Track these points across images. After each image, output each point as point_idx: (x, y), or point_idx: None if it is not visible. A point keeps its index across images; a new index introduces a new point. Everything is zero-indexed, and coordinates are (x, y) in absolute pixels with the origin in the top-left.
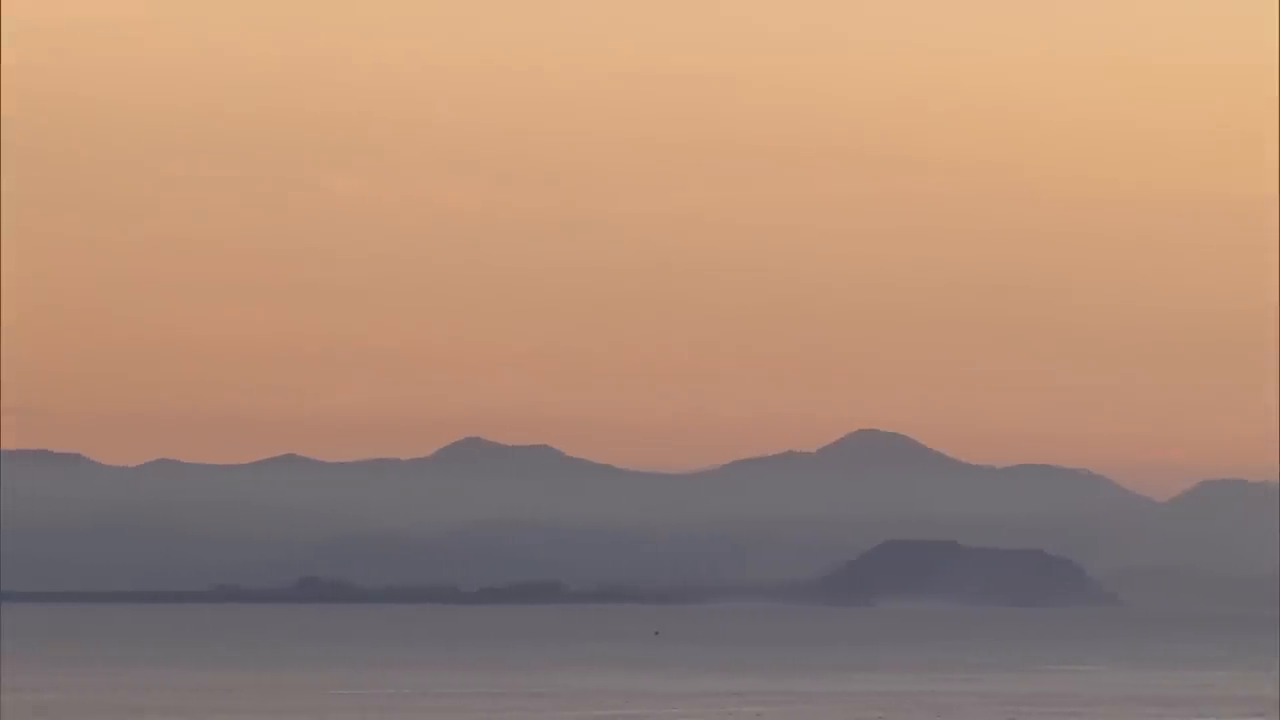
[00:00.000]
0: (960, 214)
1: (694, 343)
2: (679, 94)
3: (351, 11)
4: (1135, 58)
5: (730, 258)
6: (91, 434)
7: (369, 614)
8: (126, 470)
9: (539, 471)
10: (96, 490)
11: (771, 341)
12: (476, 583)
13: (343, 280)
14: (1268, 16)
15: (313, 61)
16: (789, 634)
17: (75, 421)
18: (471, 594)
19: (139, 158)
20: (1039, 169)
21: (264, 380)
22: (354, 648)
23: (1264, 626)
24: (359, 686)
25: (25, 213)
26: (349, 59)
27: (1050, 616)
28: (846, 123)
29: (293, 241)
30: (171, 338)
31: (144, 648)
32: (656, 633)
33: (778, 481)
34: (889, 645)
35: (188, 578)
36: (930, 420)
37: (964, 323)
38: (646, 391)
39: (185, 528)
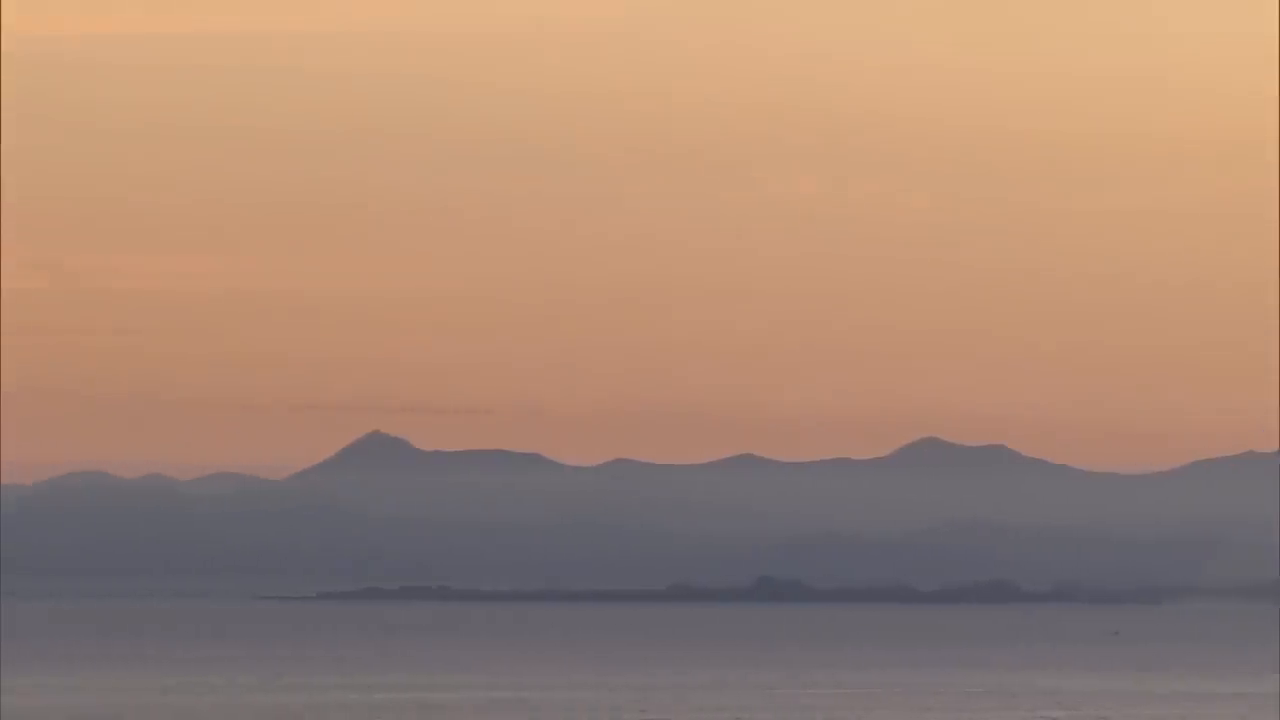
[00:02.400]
0: None
1: (1151, 343)
2: (1110, 93)
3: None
4: None
5: (1186, 254)
6: (551, 434)
7: (822, 614)
8: (585, 470)
9: (993, 471)
10: (555, 490)
11: (1232, 340)
12: (931, 583)
13: (798, 281)
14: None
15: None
16: (1250, 634)
17: (535, 421)
18: (926, 594)
19: (600, 153)
20: None
21: (721, 379)
22: (806, 646)
23: None
24: (824, 686)
25: (514, 213)
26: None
27: None
28: None
29: (741, 242)
30: (641, 338)
31: (602, 647)
32: (1116, 633)
33: (1237, 483)
34: None
35: (644, 577)
36: None
37: None
38: (1099, 390)
39: (642, 527)
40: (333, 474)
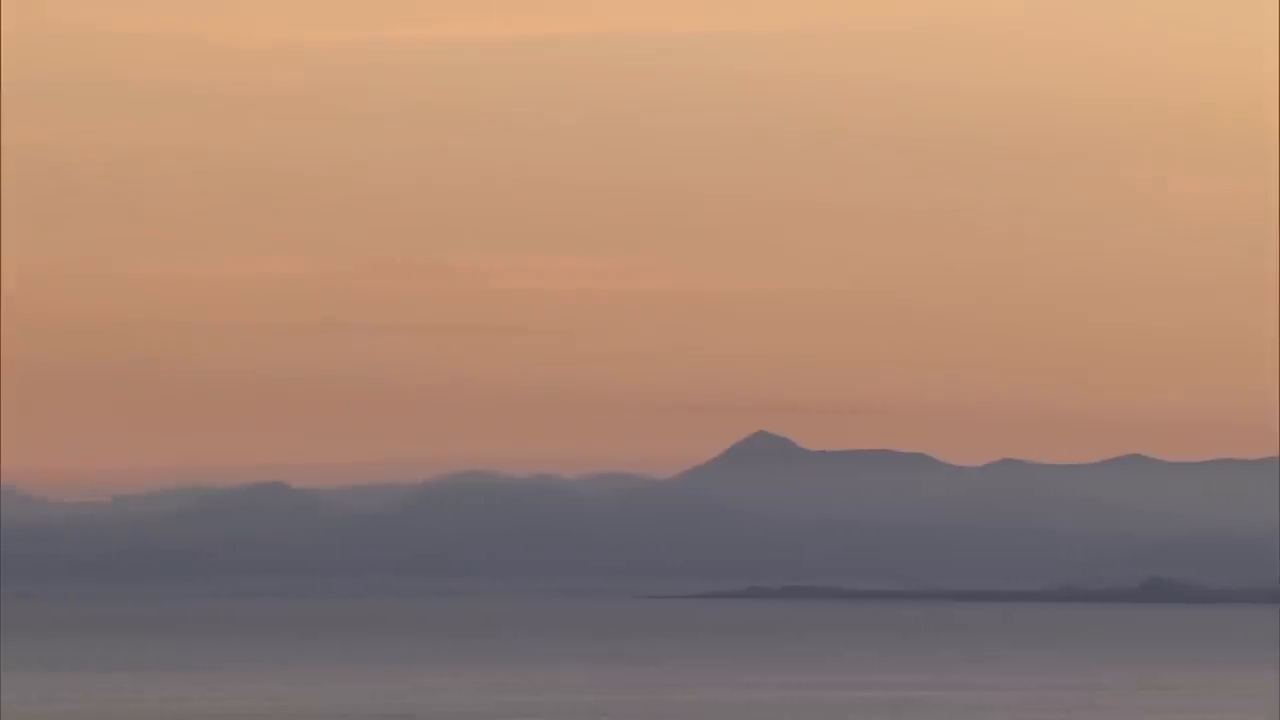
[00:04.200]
0: None
1: None
2: None
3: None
4: None
5: None
6: (937, 434)
7: (1215, 615)
8: (972, 470)
9: None
10: (941, 490)
11: None
12: None
13: (1187, 280)
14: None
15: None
16: None
17: (921, 421)
18: None
19: (993, 150)
20: None
21: (1108, 379)
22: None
23: None
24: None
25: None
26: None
27: None
28: None
29: (1129, 242)
30: (1025, 338)
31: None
32: None
33: None
34: None
35: (1028, 578)
36: None
37: None
38: None
39: (1028, 528)
40: (718, 473)
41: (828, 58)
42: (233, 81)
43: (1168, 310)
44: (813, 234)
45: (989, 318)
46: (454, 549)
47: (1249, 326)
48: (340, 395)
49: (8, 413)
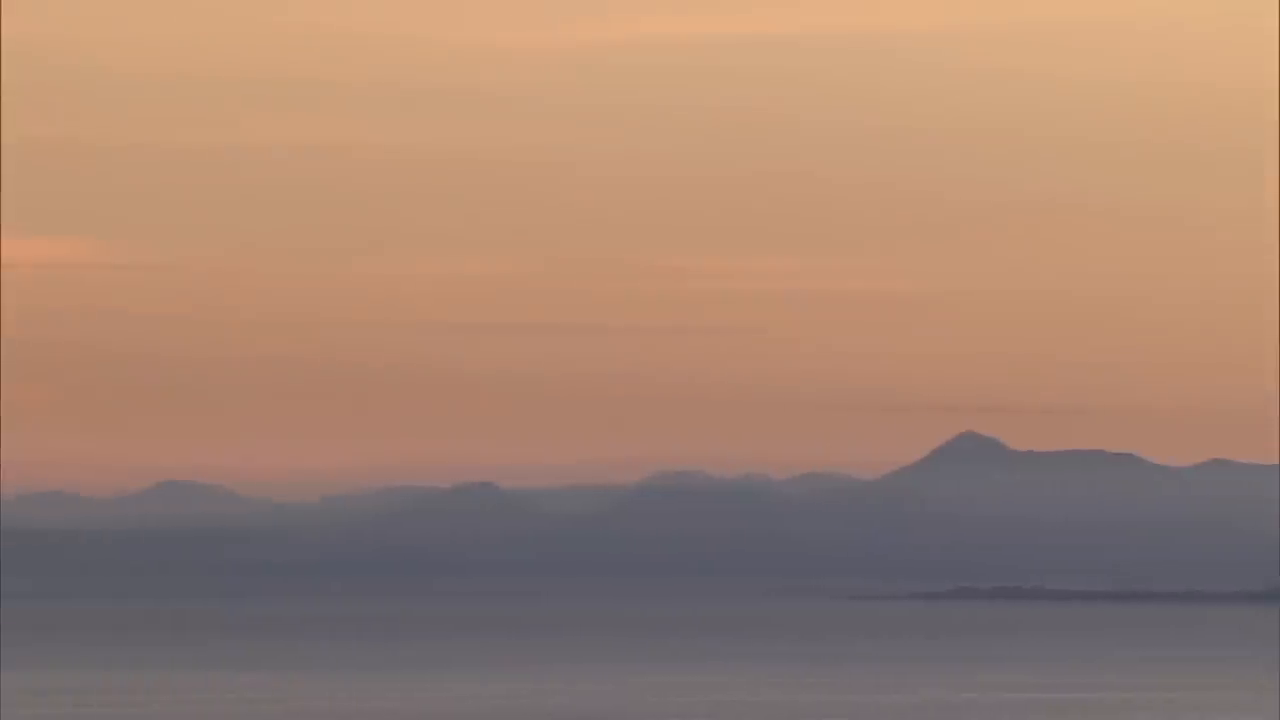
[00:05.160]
0: None
1: None
2: None
3: None
4: None
5: None
6: (1147, 434)
7: None
8: (1181, 470)
9: None
10: (1150, 490)
11: None
12: None
13: None
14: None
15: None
16: None
17: (1130, 421)
18: None
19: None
20: None
21: None
22: None
23: None
24: None
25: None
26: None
27: None
28: None
29: None
30: (1233, 338)
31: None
32: None
33: None
34: None
35: (1239, 578)
36: None
37: None
38: None
39: (1238, 528)
40: (925, 474)
41: (1050, 56)
42: (438, 81)
43: None
44: (1023, 234)
45: (1198, 317)
46: (662, 550)
47: None
48: (549, 396)
49: (219, 411)
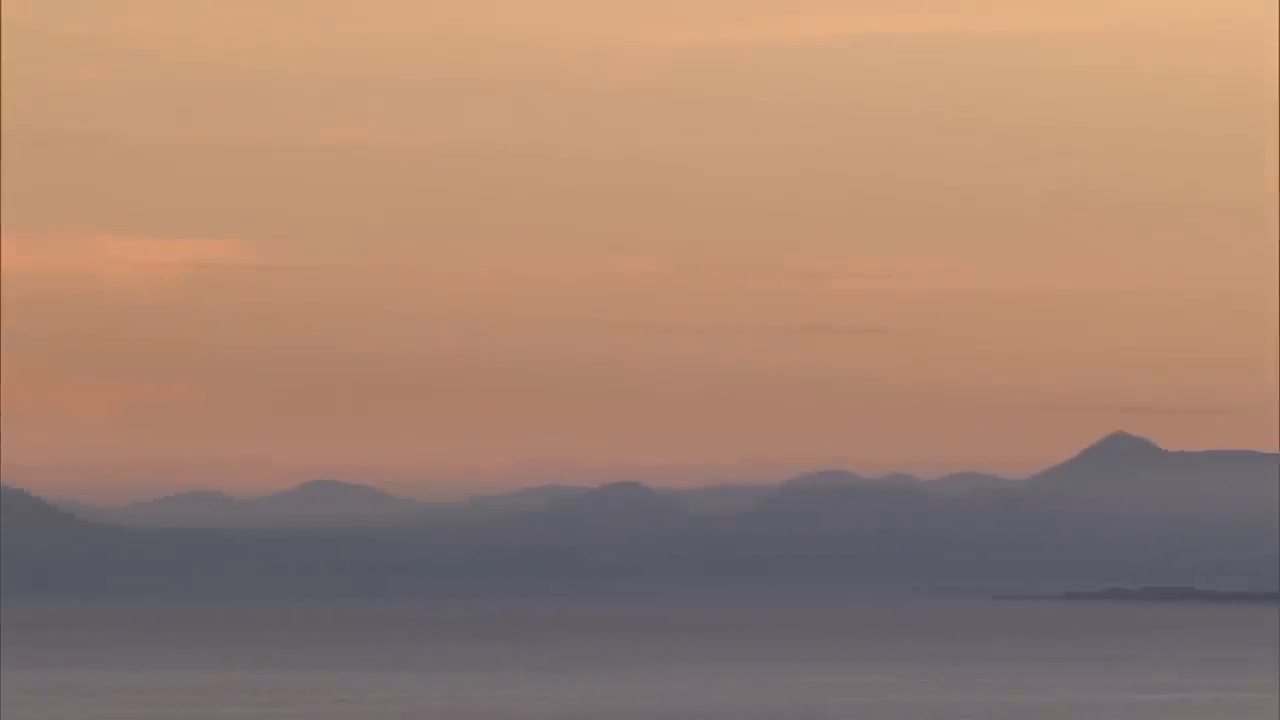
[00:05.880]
0: None
1: None
2: None
3: None
4: None
5: None
6: None
7: None
8: None
9: None
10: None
11: None
12: None
13: None
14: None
15: None
16: None
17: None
18: None
19: None
20: None
21: None
22: None
23: None
24: None
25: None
26: None
27: None
28: None
29: None
30: None
31: None
32: None
33: None
34: None
35: None
36: None
37: None
38: None
39: None
40: (1074, 474)
41: (1186, 55)
42: (589, 81)
43: None
44: (1176, 234)
45: None
46: (808, 551)
47: None
48: (697, 395)
49: (367, 411)
